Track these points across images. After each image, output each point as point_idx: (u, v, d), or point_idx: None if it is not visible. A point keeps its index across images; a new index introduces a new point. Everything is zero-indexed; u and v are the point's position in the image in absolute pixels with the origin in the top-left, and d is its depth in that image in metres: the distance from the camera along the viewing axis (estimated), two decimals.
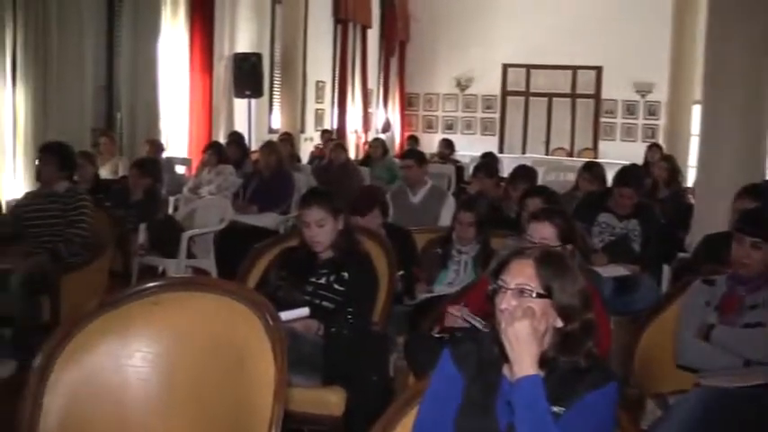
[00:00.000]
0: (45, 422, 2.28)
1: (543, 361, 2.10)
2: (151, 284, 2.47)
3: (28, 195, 5.74)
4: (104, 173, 8.41)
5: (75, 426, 2.33)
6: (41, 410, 2.28)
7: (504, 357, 2.13)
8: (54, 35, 8.26)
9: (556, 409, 2.07)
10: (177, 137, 10.88)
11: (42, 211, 5.28)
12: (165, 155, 9.62)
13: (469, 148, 15.52)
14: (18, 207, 5.66)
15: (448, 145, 13.04)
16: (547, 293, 2.13)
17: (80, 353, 2.36)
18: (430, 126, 19.21)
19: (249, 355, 2.41)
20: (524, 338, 2.06)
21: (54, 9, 8.22)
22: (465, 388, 2.20)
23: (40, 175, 5.42)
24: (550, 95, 18.26)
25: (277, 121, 13.57)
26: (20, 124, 8.05)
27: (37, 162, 5.48)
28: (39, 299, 4.90)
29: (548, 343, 2.15)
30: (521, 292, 2.14)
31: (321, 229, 3.75)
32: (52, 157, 5.35)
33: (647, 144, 12.64)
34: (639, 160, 10.80)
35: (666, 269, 5.63)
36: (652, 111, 17.44)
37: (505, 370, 2.17)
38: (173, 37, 10.64)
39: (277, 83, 13.65)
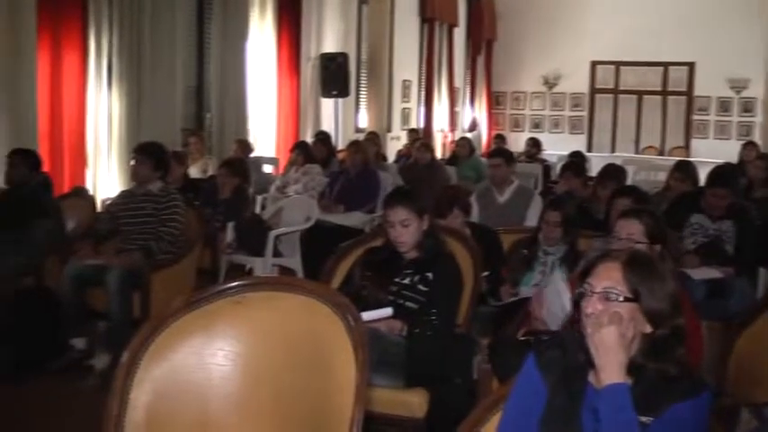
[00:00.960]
0: (131, 417, 2.31)
1: (631, 368, 2.03)
2: (235, 284, 2.48)
3: (123, 194, 5.88)
4: (194, 172, 8.55)
5: (160, 421, 2.35)
6: (128, 405, 2.31)
7: (590, 364, 2.07)
8: (147, 40, 8.47)
9: (644, 418, 2.00)
10: (265, 136, 11.00)
11: (136, 209, 5.40)
12: (252, 154, 9.74)
13: (557, 147, 15.28)
14: (113, 205, 5.82)
15: (535, 144, 12.92)
16: (634, 297, 2.07)
17: (165, 350, 2.38)
18: (517, 125, 19.01)
19: (331, 355, 2.41)
20: (611, 345, 2.00)
21: (147, 15, 8.42)
22: (549, 394, 2.15)
23: (135, 174, 5.54)
24: (640, 93, 17.85)
25: (363, 120, 13.61)
26: (114, 125, 8.28)
27: (132, 162, 5.60)
28: (132, 295, 5.01)
29: (636, 349, 2.07)
30: (607, 296, 2.07)
31: (406, 229, 3.73)
32: (147, 157, 5.46)
33: (742, 142, 12.24)
34: (734, 159, 10.50)
35: (763, 272, 5.43)
36: (747, 107, 16.90)
37: (591, 377, 2.11)
38: (261, 39, 10.78)
39: (363, 82, 13.69)
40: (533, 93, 18.77)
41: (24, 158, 5.89)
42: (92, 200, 6.95)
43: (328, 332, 2.42)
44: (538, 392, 2.16)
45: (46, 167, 6.34)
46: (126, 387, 2.31)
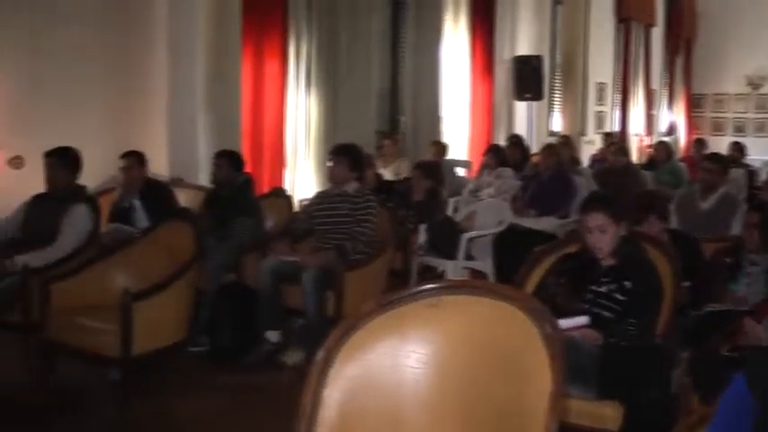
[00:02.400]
0: (324, 413, 2.34)
1: None
2: (430, 286, 2.46)
3: (319, 194, 6.02)
4: (387, 174, 8.68)
5: (352, 419, 2.37)
6: (321, 402, 2.34)
7: None
8: (343, 45, 8.69)
9: None
10: (458, 139, 11.03)
11: (332, 209, 5.51)
12: (446, 157, 9.77)
13: (762, 152, 14.48)
14: (310, 205, 5.98)
15: (738, 148, 12.34)
16: None
17: (359, 350, 2.39)
18: (718, 128, 18.07)
19: (525, 363, 2.35)
20: None
21: (344, 21, 8.67)
22: (759, 418, 2.00)
23: (331, 175, 5.65)
24: None
25: (557, 123, 13.39)
26: (312, 127, 8.53)
27: (328, 163, 5.71)
28: (326, 294, 5.11)
29: None
30: None
31: (603, 235, 3.63)
32: (344, 158, 5.56)
33: None
34: None
35: None
36: None
37: None
38: (454, 41, 10.81)
39: (557, 85, 13.45)
40: (736, 95, 17.79)
41: (229, 159, 6.12)
42: (289, 200, 7.17)
43: (523, 339, 2.35)
44: (747, 414, 2.02)
45: (247, 168, 6.59)
46: (320, 384, 2.33)
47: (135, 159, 6.08)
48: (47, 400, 4.54)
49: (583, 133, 14.03)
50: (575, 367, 3.13)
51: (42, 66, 6.61)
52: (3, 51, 6.32)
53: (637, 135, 16.14)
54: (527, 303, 2.41)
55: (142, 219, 5.86)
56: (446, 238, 6.71)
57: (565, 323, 3.10)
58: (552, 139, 11.43)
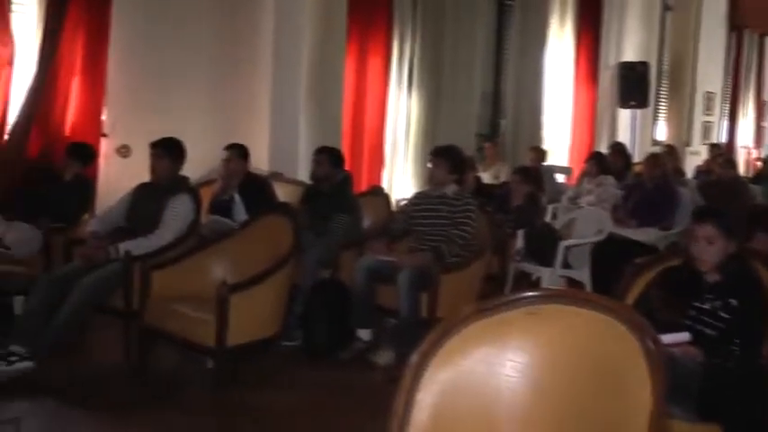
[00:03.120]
0: (416, 416, 2.31)
1: None
2: (529, 294, 2.41)
3: (418, 195, 5.99)
4: (486, 177, 8.62)
5: (445, 424, 2.34)
6: (414, 405, 2.32)
7: None
8: (447, 45, 8.68)
9: None
10: (559, 145, 10.89)
11: (431, 211, 5.49)
12: (545, 163, 9.67)
13: None
14: (408, 206, 5.98)
15: None
16: None
17: (455, 355, 2.35)
18: None
19: (624, 378, 2.29)
20: None
21: (449, 22, 8.66)
22: None
23: (431, 176, 5.63)
24: None
25: (661, 132, 13.11)
26: (412, 127, 8.54)
27: (428, 164, 5.69)
28: (420, 295, 5.08)
29: None
30: None
31: (710, 247, 3.51)
32: (444, 159, 5.53)
33: None
34: None
35: None
36: None
37: None
38: (559, 45, 10.68)
39: (663, 93, 13.16)
40: None
41: (329, 156, 6.15)
42: (387, 199, 7.17)
43: (623, 353, 2.30)
44: None
45: (347, 166, 6.61)
46: (413, 387, 2.30)
47: (237, 152, 6.17)
48: (143, 385, 4.65)
49: (688, 143, 13.69)
50: (674, 386, 3.03)
51: (154, 60, 6.81)
52: (118, 45, 6.51)
53: (745, 147, 15.70)
54: (629, 316, 2.34)
55: (241, 212, 5.95)
56: (544, 245, 6.61)
57: (666, 338, 3.00)
58: (656, 149, 11.19)
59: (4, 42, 5.86)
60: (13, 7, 6.03)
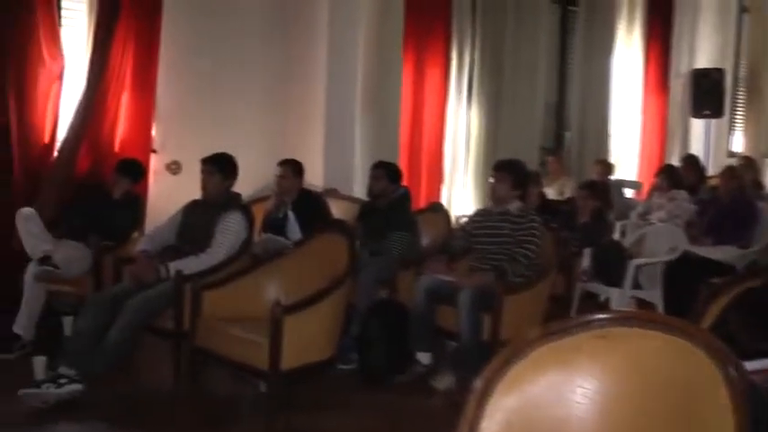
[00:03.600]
0: None
1: None
2: (599, 316, 2.28)
3: (479, 212, 5.87)
4: (551, 193, 8.46)
5: None
6: None
7: None
8: (508, 54, 8.54)
9: None
10: (627, 158, 10.64)
11: (493, 228, 5.33)
12: (613, 177, 9.45)
13: None
14: (469, 223, 5.85)
15: None
16: None
17: (521, 381, 2.22)
18: None
19: (702, 408, 2.14)
20: None
21: (510, 29, 8.53)
22: None
23: (493, 192, 5.47)
24: None
25: (738, 143, 12.69)
26: (472, 141, 8.39)
27: (490, 179, 5.54)
28: (482, 317, 4.92)
29: None
30: None
31: None
32: (507, 174, 5.38)
33: None
34: None
35: None
36: None
37: None
38: (627, 53, 10.45)
39: (740, 101, 12.74)
40: None
41: (387, 171, 6.05)
42: (447, 216, 7.01)
43: (702, 381, 2.16)
44: None
45: (405, 181, 6.50)
46: (478, 415, 2.17)
47: (291, 168, 6.09)
48: (193, 409, 4.58)
49: (767, 155, 13.26)
50: (757, 418, 2.80)
51: (206, 74, 6.78)
52: (168, 60, 6.49)
53: None
54: (707, 341, 2.19)
55: (295, 230, 5.86)
56: (612, 264, 6.40)
57: (751, 365, 2.76)
58: (733, 161, 10.79)
59: (54, 57, 5.89)
60: (63, 21, 6.05)
